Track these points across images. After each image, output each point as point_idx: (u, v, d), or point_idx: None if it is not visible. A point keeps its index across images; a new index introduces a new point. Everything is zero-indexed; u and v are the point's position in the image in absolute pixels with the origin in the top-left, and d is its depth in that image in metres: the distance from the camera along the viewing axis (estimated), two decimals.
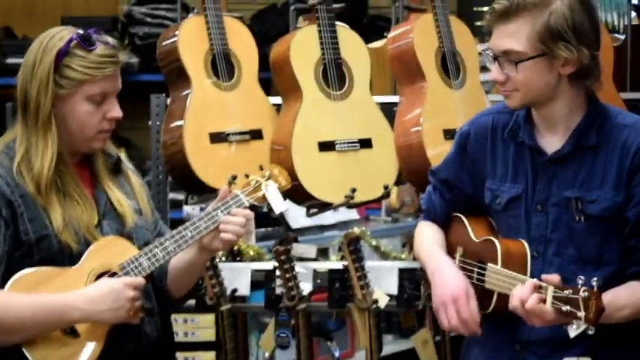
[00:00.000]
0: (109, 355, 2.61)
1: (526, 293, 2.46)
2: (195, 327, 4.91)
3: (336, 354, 4.80)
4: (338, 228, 5.76)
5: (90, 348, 2.58)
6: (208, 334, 4.99)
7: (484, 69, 3.94)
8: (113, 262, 2.63)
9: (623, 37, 4.30)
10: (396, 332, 5.59)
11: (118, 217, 2.73)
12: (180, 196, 4.69)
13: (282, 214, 5.64)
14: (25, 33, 7.04)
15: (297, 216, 5.68)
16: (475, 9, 6.02)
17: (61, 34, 2.65)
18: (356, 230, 4.37)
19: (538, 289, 2.46)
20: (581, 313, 2.37)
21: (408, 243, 4.45)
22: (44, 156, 2.62)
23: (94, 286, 2.58)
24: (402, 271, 3.79)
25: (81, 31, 2.65)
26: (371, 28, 6.49)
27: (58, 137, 2.64)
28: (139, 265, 2.64)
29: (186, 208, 5.43)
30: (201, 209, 5.41)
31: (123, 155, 2.90)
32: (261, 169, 2.86)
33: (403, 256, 4.85)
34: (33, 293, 2.55)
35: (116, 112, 2.69)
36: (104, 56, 2.64)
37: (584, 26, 2.56)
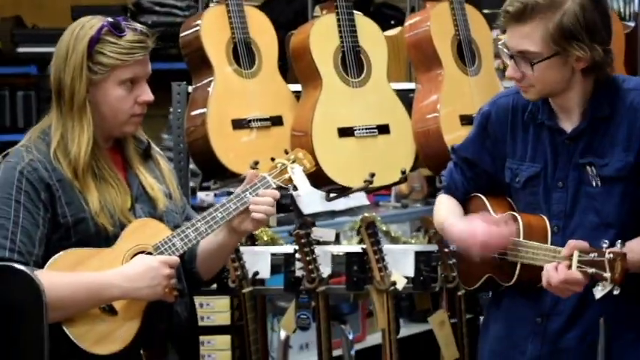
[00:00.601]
0: (144, 335, 2.69)
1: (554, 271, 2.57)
2: (211, 311, 5.00)
3: (350, 337, 4.90)
4: (349, 214, 5.84)
5: (128, 325, 2.66)
6: (224, 318, 5.09)
7: (497, 56, 4.05)
8: (147, 243, 2.71)
9: (632, 24, 4.39)
10: (405, 316, 5.70)
11: (149, 201, 2.81)
12: (192, 184, 4.78)
13: (294, 200, 5.75)
14: (34, 22, 7.12)
15: (308, 202, 5.78)
16: None
17: (92, 23, 2.74)
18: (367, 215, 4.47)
19: (568, 259, 2.56)
20: (607, 274, 2.47)
21: (423, 226, 4.55)
22: (80, 141, 2.70)
23: (132, 264, 2.67)
24: (418, 254, 3.89)
25: (110, 19, 2.74)
26: (378, 15, 6.56)
27: (93, 122, 2.72)
28: (172, 246, 2.72)
29: (200, 195, 5.52)
30: (215, 196, 5.53)
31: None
32: (286, 152, 2.94)
33: (413, 241, 4.95)
34: (71, 273, 2.64)
35: (147, 95, 2.77)
36: (134, 42, 2.72)
37: (595, 24, 2.65)
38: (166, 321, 2.78)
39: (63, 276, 2.61)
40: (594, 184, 2.73)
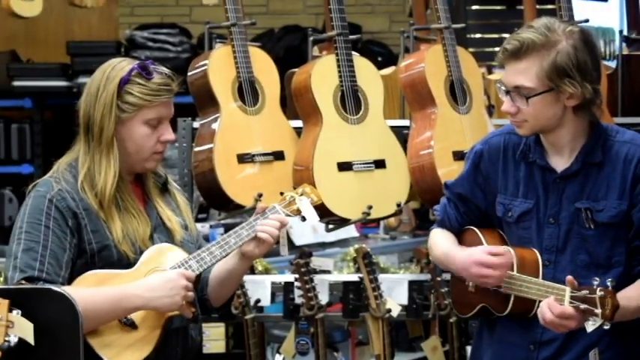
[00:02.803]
0: (161, 358, 2.85)
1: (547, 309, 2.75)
2: (206, 339, 5.16)
3: None
4: (338, 245, 6.02)
5: (148, 338, 2.82)
6: (219, 347, 5.25)
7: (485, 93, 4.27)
8: (165, 266, 2.87)
9: (613, 64, 4.60)
10: (396, 345, 5.87)
11: (167, 232, 2.98)
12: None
13: (286, 233, 5.91)
14: (29, 57, 7.26)
15: (299, 234, 5.97)
16: (468, 36, 6.36)
17: (122, 65, 2.92)
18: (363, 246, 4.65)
19: (559, 295, 2.74)
20: (598, 311, 2.64)
21: (416, 257, 4.75)
22: (107, 174, 2.88)
23: (152, 276, 2.83)
24: (411, 283, 4.08)
25: (140, 62, 2.92)
26: (365, 52, 6.77)
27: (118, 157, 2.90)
28: (189, 267, 2.88)
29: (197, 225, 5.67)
30: (211, 227, 5.70)
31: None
32: (295, 187, 3.13)
33: (402, 272, 5.13)
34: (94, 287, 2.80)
35: (170, 135, 2.96)
36: (161, 84, 2.90)
37: (587, 64, 2.84)
38: (182, 344, 2.93)
39: (86, 290, 2.76)
40: (588, 226, 2.90)
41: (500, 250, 2.90)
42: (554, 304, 2.73)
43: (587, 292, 2.68)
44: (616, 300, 2.66)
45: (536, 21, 2.90)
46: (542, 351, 2.95)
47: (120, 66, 2.91)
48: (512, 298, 2.90)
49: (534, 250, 2.94)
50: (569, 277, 2.75)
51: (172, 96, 2.94)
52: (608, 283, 2.68)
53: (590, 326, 2.66)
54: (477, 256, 2.89)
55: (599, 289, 2.67)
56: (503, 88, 2.90)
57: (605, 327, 2.66)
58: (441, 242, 3.10)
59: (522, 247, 2.96)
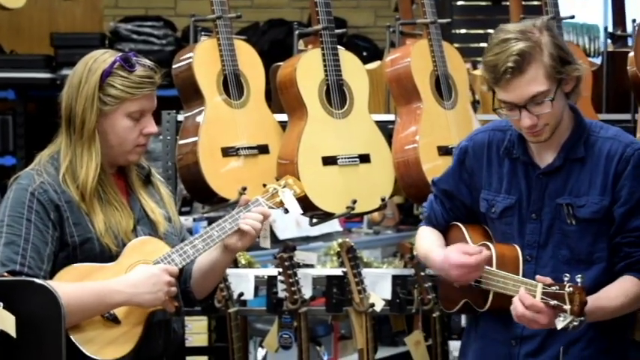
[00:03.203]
0: (143, 351, 2.85)
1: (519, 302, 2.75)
2: (189, 332, 5.15)
3: (325, 358, 5.08)
4: (322, 239, 6.04)
5: (131, 333, 2.82)
6: (202, 340, 5.24)
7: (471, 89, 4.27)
8: (148, 259, 2.87)
9: (598, 60, 4.61)
10: (379, 340, 5.89)
11: (150, 224, 2.98)
12: None
13: (270, 227, 5.91)
14: (13, 48, 7.23)
15: (283, 228, 5.98)
16: (453, 31, 6.37)
17: (105, 57, 2.91)
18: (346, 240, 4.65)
19: (531, 290, 2.75)
20: (567, 306, 2.65)
21: (399, 252, 4.74)
22: (89, 167, 2.87)
23: (134, 271, 2.82)
24: (395, 278, 4.08)
25: (123, 54, 2.90)
26: (351, 47, 6.77)
27: (100, 150, 2.89)
28: (171, 261, 2.87)
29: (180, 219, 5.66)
30: (194, 220, 5.69)
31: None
32: (277, 179, 3.12)
33: (385, 267, 5.14)
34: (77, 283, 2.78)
35: (152, 127, 2.95)
36: (143, 77, 2.89)
37: (565, 46, 2.89)
38: (165, 337, 2.93)
39: (69, 285, 2.74)
40: (569, 222, 2.91)
41: (475, 250, 2.91)
42: (525, 295, 2.74)
43: (557, 287, 2.69)
44: (584, 296, 2.66)
45: (503, 33, 2.86)
46: (523, 346, 2.97)
47: (102, 58, 2.90)
48: (491, 294, 2.92)
49: (515, 246, 2.96)
50: (539, 277, 2.75)
51: (155, 88, 2.93)
52: (578, 280, 2.68)
53: (561, 322, 2.66)
54: (453, 259, 2.91)
55: (568, 285, 2.67)
56: (510, 109, 2.85)
57: (575, 323, 2.66)
58: (423, 242, 3.13)
59: (503, 243, 2.98)
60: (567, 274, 2.70)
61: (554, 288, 2.69)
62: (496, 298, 2.91)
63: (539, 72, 2.82)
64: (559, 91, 2.86)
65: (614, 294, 2.84)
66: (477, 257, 2.89)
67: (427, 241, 3.11)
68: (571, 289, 2.66)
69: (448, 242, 3.12)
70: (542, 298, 2.70)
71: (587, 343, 2.90)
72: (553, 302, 2.67)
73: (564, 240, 2.92)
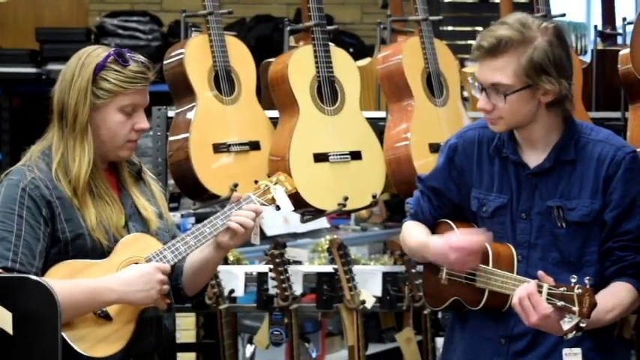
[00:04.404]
0: (136, 343, 2.84)
1: (530, 290, 2.71)
2: (177, 329, 5.14)
3: (314, 354, 5.08)
4: (309, 236, 6.02)
5: (123, 330, 2.81)
6: (189, 336, 5.24)
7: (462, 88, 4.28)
8: (140, 255, 2.86)
9: (586, 58, 4.62)
10: (369, 337, 5.90)
11: (142, 221, 2.96)
12: None
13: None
14: None
15: (271, 224, 5.96)
16: (441, 28, 6.36)
17: (98, 51, 2.89)
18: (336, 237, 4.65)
19: (539, 287, 2.71)
20: (575, 308, 2.63)
21: (389, 249, 4.75)
22: (81, 161, 2.85)
23: (127, 270, 2.81)
24: (385, 275, 4.08)
25: (117, 49, 2.89)
26: (337, 43, 6.76)
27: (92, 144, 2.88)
28: (163, 257, 2.86)
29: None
30: (182, 216, 5.68)
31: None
32: (269, 176, 3.11)
33: (372, 263, 5.14)
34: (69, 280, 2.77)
35: (144, 123, 2.93)
36: (137, 72, 2.88)
37: (562, 60, 2.84)
38: (156, 333, 2.91)
39: (61, 282, 2.71)
40: (559, 225, 2.90)
41: (474, 232, 2.91)
42: (535, 295, 2.71)
43: (565, 289, 2.67)
44: (594, 298, 2.65)
45: (509, 17, 2.89)
46: (513, 345, 2.96)
47: (96, 53, 2.89)
48: (486, 293, 2.91)
49: (509, 245, 2.94)
50: (541, 273, 2.73)
51: (148, 84, 2.91)
52: (586, 281, 2.67)
53: (567, 324, 2.64)
54: (454, 242, 2.88)
55: (577, 286, 2.66)
56: (477, 84, 2.89)
57: (582, 324, 2.65)
58: (415, 233, 3.10)
59: (498, 242, 2.96)
60: (574, 276, 2.68)
61: (561, 289, 2.67)
62: (491, 296, 2.90)
63: (509, 65, 2.81)
64: (525, 93, 2.83)
65: (611, 305, 2.82)
66: (480, 240, 2.87)
67: (418, 232, 3.08)
68: (580, 290, 2.64)
69: None
70: (548, 299, 2.68)
71: (577, 342, 2.90)
72: (560, 303, 2.65)
73: (554, 242, 2.91)
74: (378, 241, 6.17)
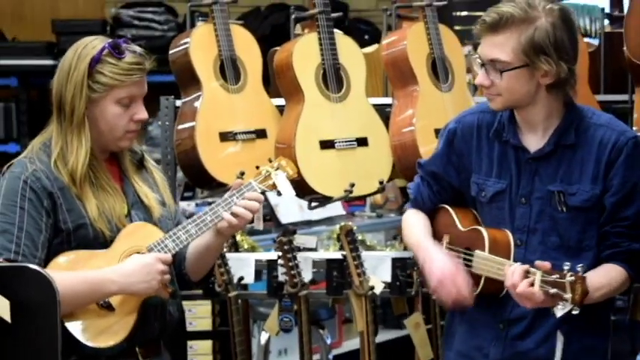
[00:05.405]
0: (140, 331, 2.87)
1: (517, 279, 2.74)
2: (193, 317, 5.19)
3: (328, 341, 5.09)
4: (324, 223, 6.05)
5: (125, 320, 2.84)
6: (205, 324, 5.27)
7: (469, 71, 4.27)
8: (141, 245, 2.88)
9: (596, 42, 4.60)
10: (381, 323, 5.92)
11: (144, 209, 2.99)
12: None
13: (272, 210, 5.94)
14: (14, 35, 7.25)
15: (286, 212, 5.99)
16: (454, 14, 6.34)
17: (94, 43, 2.91)
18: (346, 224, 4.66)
19: (526, 273, 2.73)
20: (568, 295, 2.64)
21: (400, 234, 4.73)
22: (78, 154, 2.87)
23: (128, 261, 2.84)
24: (394, 260, 4.08)
25: (112, 41, 2.91)
26: (352, 30, 6.78)
27: (90, 136, 2.90)
28: (165, 247, 2.89)
29: (182, 204, 5.71)
30: (197, 206, 5.72)
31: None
32: (270, 161, 3.13)
33: (388, 250, 5.14)
34: (71, 271, 2.80)
35: (142, 114, 2.95)
36: (132, 64, 2.89)
37: (564, 43, 2.83)
38: (160, 319, 2.94)
39: (63, 274, 2.75)
40: (560, 209, 2.90)
41: (471, 288, 2.92)
42: (517, 280, 2.73)
43: (557, 276, 2.68)
44: (586, 286, 2.66)
45: None
46: (510, 329, 2.97)
47: (92, 45, 2.90)
48: (482, 279, 2.91)
49: (507, 231, 2.94)
50: (539, 262, 2.75)
51: (145, 75, 2.93)
52: (579, 269, 2.67)
53: (560, 311, 2.66)
54: (455, 276, 2.91)
55: (569, 274, 2.66)
56: (478, 60, 2.90)
57: (575, 312, 2.66)
58: (414, 230, 3.10)
59: (495, 228, 2.96)
60: (567, 263, 2.69)
61: (554, 276, 2.67)
62: (487, 283, 2.90)
63: (509, 42, 2.82)
64: (522, 72, 2.83)
65: (601, 283, 2.82)
66: (470, 294, 2.89)
67: (418, 230, 3.09)
68: (572, 278, 2.65)
69: (436, 226, 3.11)
70: (541, 286, 2.69)
71: (569, 319, 2.89)
72: (552, 291, 2.66)
73: (554, 227, 2.91)
74: (394, 227, 6.17)
